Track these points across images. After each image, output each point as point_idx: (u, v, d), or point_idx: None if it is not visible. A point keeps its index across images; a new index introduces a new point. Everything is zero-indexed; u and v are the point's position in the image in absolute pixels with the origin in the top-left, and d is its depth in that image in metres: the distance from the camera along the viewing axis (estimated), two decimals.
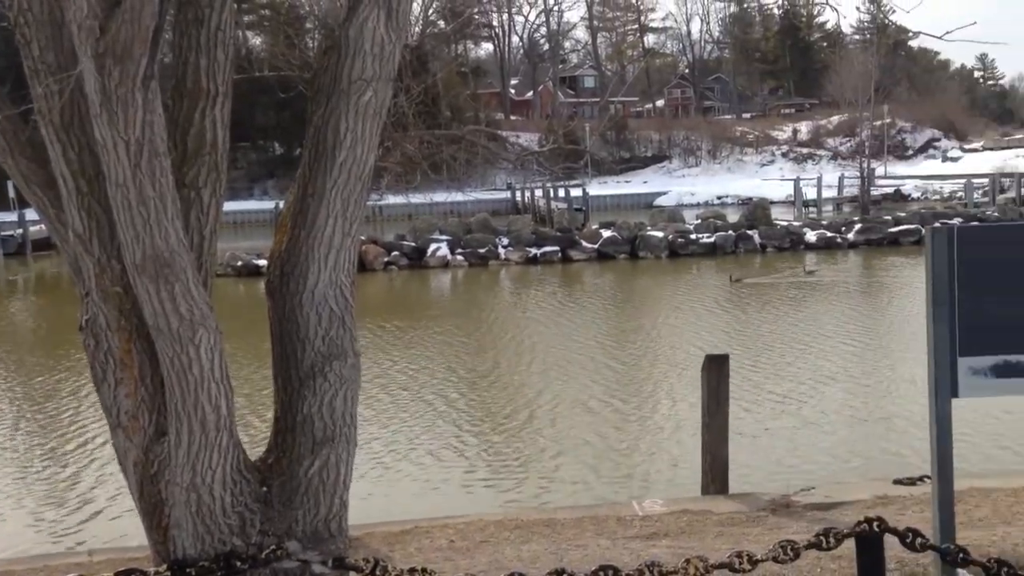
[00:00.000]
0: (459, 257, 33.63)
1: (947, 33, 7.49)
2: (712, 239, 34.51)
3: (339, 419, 4.57)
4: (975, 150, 78.19)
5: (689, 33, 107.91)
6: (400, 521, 6.43)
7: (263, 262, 30.21)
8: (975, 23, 7.37)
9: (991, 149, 76.15)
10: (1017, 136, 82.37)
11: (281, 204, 37.01)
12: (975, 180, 52.34)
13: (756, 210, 38.47)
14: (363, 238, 28.70)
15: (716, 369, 7.40)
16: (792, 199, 52.30)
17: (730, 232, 35.17)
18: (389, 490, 10.51)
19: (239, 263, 32.48)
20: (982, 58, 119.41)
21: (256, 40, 62.73)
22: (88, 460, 11.90)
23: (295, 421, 4.56)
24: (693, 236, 34.88)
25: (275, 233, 4.93)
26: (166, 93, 4.65)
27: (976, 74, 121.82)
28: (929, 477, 4.72)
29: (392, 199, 34.47)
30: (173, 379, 4.21)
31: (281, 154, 71.80)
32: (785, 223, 38.16)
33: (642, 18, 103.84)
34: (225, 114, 4.66)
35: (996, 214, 40.23)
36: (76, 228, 4.39)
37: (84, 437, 12.89)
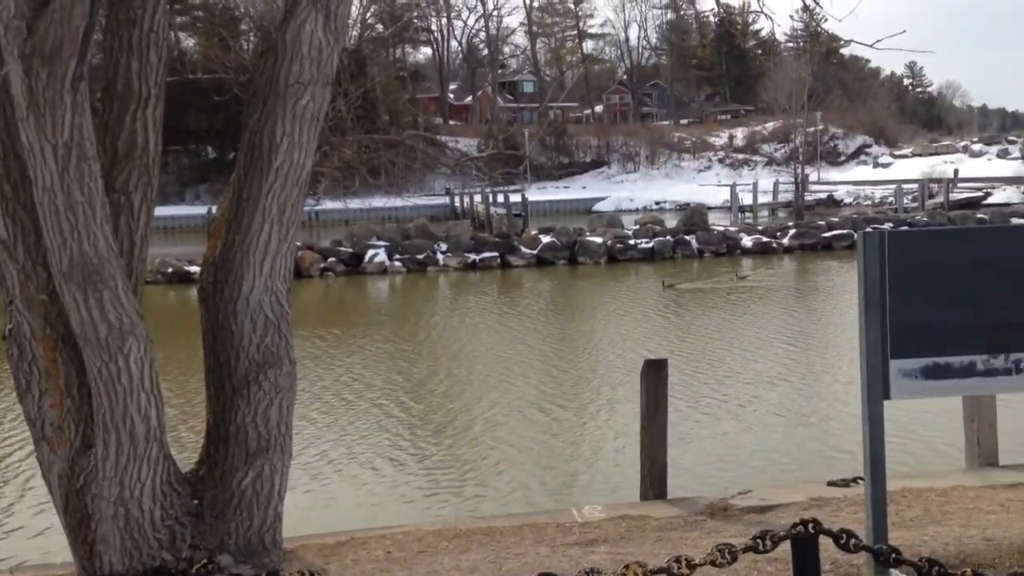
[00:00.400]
0: (397, 263, 33.44)
1: (877, 41, 7.67)
2: (651, 245, 34.82)
3: (274, 429, 4.49)
4: (905, 156, 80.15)
5: (627, 39, 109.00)
6: (336, 532, 6.33)
7: (195, 268, 29.77)
8: (904, 32, 7.54)
9: (920, 155, 78.14)
10: (945, 142, 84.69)
11: (214, 209, 36.46)
12: (905, 186, 53.59)
13: (694, 215, 38.93)
14: (299, 244, 28.42)
15: (655, 374, 7.43)
16: (729, 204, 53.04)
17: (668, 237, 35.53)
18: (325, 501, 10.38)
19: (170, 270, 31.94)
20: (911, 66, 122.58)
21: (189, 42, 61.76)
22: (11, 473, 11.56)
23: (228, 431, 4.47)
24: (632, 242, 35.15)
25: (208, 239, 4.84)
26: (95, 95, 4.54)
27: (905, 82, 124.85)
28: (862, 478, 4.78)
29: (329, 204, 34.31)
30: (101, 389, 4.10)
31: (214, 158, 70.72)
32: (722, 228, 38.67)
33: (580, 24, 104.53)
34: (157, 117, 4.57)
35: (925, 219, 41.22)
36: (0, 234, 4.27)
37: (7, 450, 12.53)
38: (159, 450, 4.24)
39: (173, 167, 67.34)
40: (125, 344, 4.07)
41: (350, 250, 34.05)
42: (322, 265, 32.95)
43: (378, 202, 37.07)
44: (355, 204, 31.01)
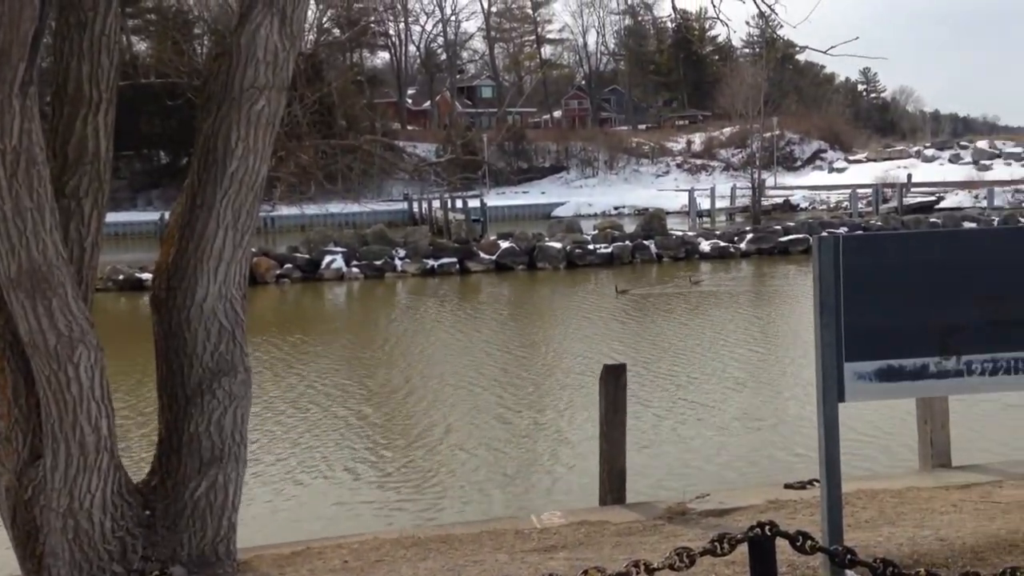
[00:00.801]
0: (355, 269, 33.23)
1: (832, 48, 7.76)
2: (609, 249, 34.95)
3: (228, 437, 4.43)
4: (859, 161, 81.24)
5: (585, 45, 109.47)
6: (291, 542, 6.25)
7: (147, 276, 29.42)
8: (857, 38, 7.64)
9: (874, 160, 79.27)
10: (898, 147, 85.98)
11: (167, 215, 35.90)
12: (859, 190, 54.34)
13: (652, 220, 39.17)
14: (254, 250, 28.23)
15: (613, 379, 7.44)
16: (687, 209, 53.40)
17: (627, 242, 35.69)
18: (281, 510, 10.29)
19: (121, 277, 31.50)
20: (865, 72, 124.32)
21: (141, 45, 61.00)
22: None
23: (181, 440, 4.40)
24: (591, 247, 35.26)
25: (161, 245, 4.77)
26: (45, 99, 4.47)
27: (860, 87, 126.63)
28: (818, 480, 4.82)
29: (285, 210, 34.08)
30: (50, 399, 4.02)
31: (167, 163, 69.93)
32: (680, 233, 38.94)
33: (539, 29, 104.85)
34: (109, 122, 4.50)
35: (879, 223, 41.84)
36: None
37: None
38: (110, 460, 4.15)
39: (125, 172, 66.39)
40: (75, 352, 3.99)
41: (306, 256, 33.79)
42: (278, 272, 32.66)
43: (335, 208, 36.85)
44: (312, 210, 30.83)
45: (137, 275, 31.14)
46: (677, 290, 27.64)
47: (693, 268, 33.46)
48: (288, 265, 33.12)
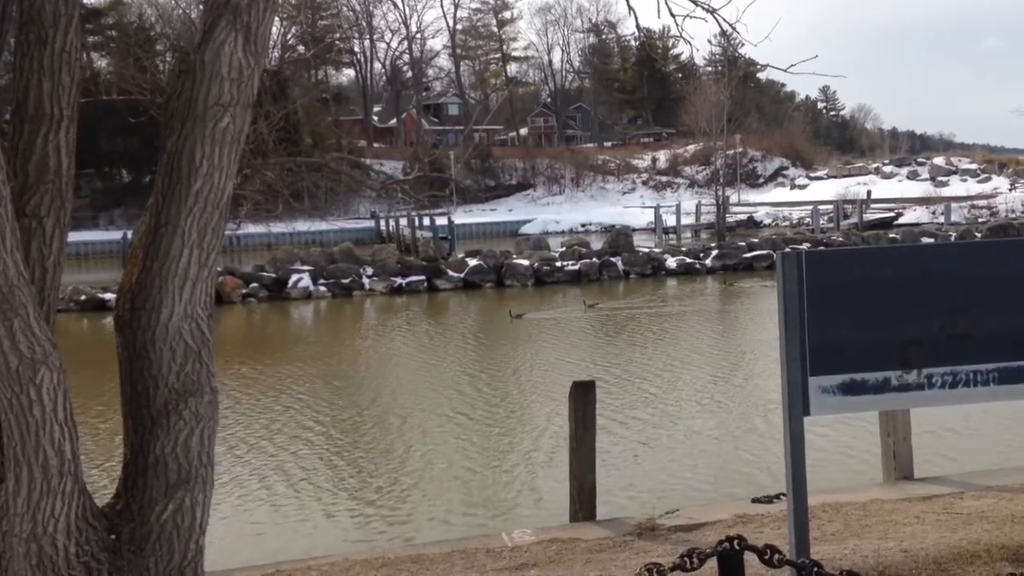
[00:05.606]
0: (322, 288, 33.06)
1: (792, 66, 7.84)
2: (577, 267, 35.08)
3: (195, 459, 4.37)
4: (820, 178, 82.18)
5: (550, 63, 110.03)
6: (261, 565, 6.20)
7: (109, 296, 29.10)
8: (816, 57, 7.73)
9: (835, 177, 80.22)
10: (858, 164, 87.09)
11: (130, 234, 35.49)
12: (821, 207, 54.99)
13: (619, 237, 39.36)
14: (220, 269, 28.03)
15: (583, 395, 7.45)
16: (653, 226, 53.73)
17: (594, 259, 35.83)
18: (250, 533, 10.18)
19: (83, 297, 31.11)
20: (824, 90, 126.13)
21: (102, 62, 60.46)
22: None
23: (147, 463, 4.34)
24: (558, 264, 35.36)
25: (126, 264, 4.71)
26: (4, 117, 4.42)
27: (819, 105, 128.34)
28: (785, 494, 4.86)
29: (251, 228, 33.86)
30: (12, 422, 3.95)
31: (129, 182, 69.29)
32: (647, 250, 39.17)
33: (504, 47, 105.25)
34: (70, 140, 4.45)
35: (840, 239, 42.34)
36: None
37: None
38: (74, 484, 4.09)
39: (86, 191, 65.67)
40: (37, 374, 3.93)
41: (273, 275, 33.56)
42: (244, 291, 32.40)
43: (302, 226, 36.68)
44: (278, 228, 30.69)
45: (99, 295, 30.78)
46: (569, 314, 27.21)
47: (660, 284, 33.66)
48: (254, 284, 32.87)
